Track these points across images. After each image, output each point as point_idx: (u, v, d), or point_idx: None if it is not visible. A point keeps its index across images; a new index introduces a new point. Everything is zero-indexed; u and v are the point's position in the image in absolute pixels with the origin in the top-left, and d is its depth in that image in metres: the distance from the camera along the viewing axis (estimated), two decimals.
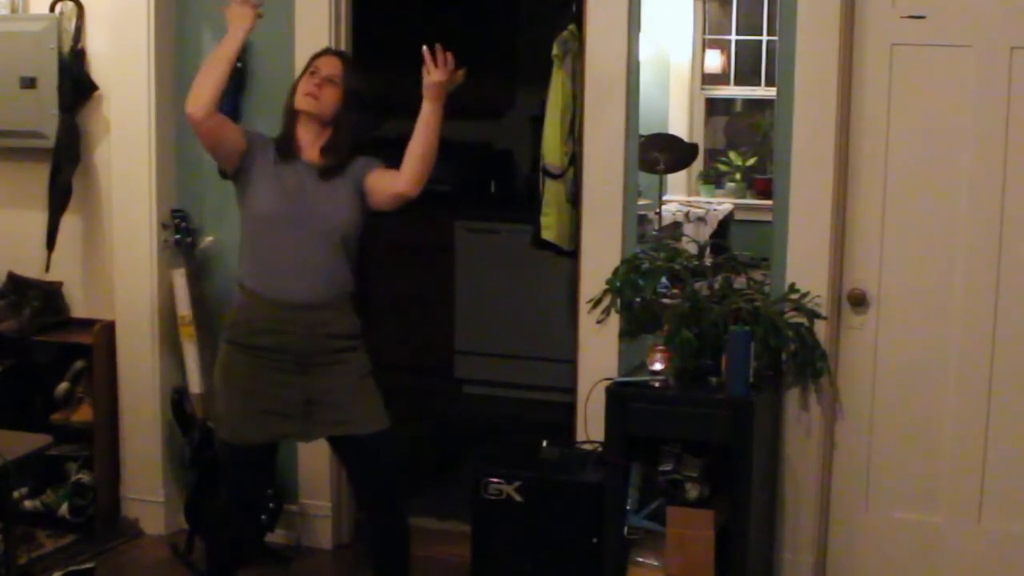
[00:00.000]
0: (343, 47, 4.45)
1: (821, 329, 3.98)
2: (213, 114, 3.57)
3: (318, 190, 3.62)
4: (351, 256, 3.68)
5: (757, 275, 4.22)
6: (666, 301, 4.10)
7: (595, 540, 3.87)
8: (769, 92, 5.17)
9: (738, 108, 6.31)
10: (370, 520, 3.85)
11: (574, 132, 4.24)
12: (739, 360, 3.71)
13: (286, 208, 3.59)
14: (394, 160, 3.66)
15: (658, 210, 5.48)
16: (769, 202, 4.21)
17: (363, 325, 3.72)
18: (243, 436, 3.66)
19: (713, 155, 6.20)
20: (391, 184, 3.64)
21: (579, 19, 4.22)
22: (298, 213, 3.59)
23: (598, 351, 4.22)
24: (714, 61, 6.18)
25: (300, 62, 4.42)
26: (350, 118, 3.66)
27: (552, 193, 4.40)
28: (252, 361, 3.61)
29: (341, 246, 3.62)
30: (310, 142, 3.67)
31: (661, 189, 5.53)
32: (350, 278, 3.68)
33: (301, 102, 3.65)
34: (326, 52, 3.81)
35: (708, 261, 4.24)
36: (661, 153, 5.34)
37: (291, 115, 3.69)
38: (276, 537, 4.63)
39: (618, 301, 4.15)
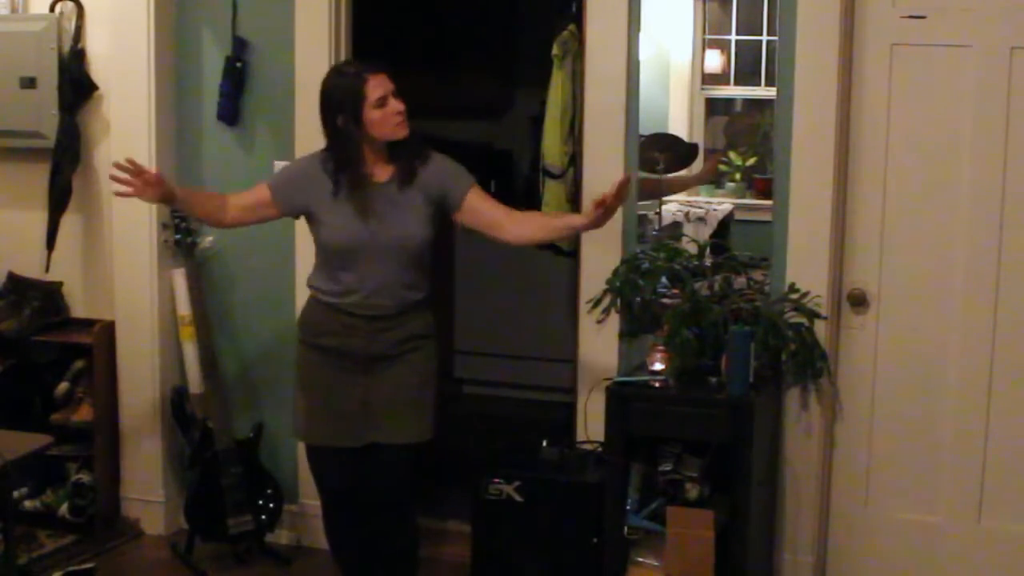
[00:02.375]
0: (343, 47, 4.45)
1: (821, 329, 3.98)
2: (234, 220, 3.75)
3: (391, 211, 3.59)
4: (424, 264, 3.69)
5: (757, 275, 4.21)
6: (666, 301, 4.10)
7: (595, 540, 3.87)
8: (769, 92, 5.15)
9: (738, 108, 6.30)
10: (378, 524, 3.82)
11: (574, 132, 4.24)
12: (739, 360, 3.70)
13: (358, 238, 3.59)
14: None
15: (658, 210, 5.47)
16: (769, 202, 4.21)
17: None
18: (313, 435, 3.73)
19: (713, 155, 6.18)
20: (498, 225, 3.68)
21: (579, 19, 4.22)
22: (371, 241, 3.58)
23: (598, 351, 4.22)
24: (714, 61, 6.16)
25: (300, 62, 4.44)
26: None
27: (552, 193, 4.40)
28: (319, 359, 3.68)
29: (414, 260, 3.64)
30: (374, 160, 3.63)
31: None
32: (422, 285, 3.69)
33: (399, 132, 3.59)
34: (371, 71, 3.60)
35: (708, 261, 4.23)
36: (661, 153, 5.33)
37: (357, 146, 3.59)
38: (276, 537, 4.64)
39: (618, 301, 4.15)
